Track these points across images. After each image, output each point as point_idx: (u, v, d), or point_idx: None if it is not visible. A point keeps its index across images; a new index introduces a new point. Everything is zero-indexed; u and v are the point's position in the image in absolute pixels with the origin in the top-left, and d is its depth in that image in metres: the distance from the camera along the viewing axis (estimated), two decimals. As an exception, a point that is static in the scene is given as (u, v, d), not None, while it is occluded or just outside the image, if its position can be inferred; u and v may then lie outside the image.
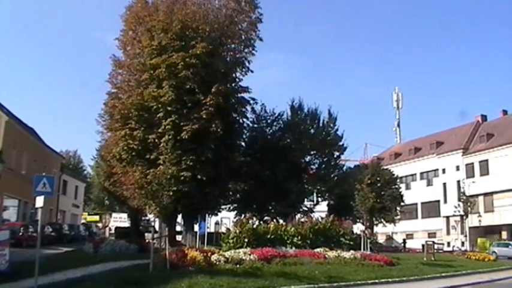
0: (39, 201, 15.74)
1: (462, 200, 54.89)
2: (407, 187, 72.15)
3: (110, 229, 65.27)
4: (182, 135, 32.67)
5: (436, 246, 40.51)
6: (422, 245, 41.04)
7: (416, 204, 72.12)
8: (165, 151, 32.60)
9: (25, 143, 45.75)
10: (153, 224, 45.92)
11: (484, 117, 72.27)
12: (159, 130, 33.56)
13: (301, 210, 45.82)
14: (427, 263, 29.78)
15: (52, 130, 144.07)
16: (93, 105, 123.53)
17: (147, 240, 33.43)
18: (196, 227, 36.39)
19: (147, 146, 34.28)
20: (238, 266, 21.14)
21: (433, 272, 25.47)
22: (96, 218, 78.69)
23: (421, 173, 75.05)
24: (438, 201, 69.76)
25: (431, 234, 66.73)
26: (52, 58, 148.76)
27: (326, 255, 25.59)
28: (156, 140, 33.53)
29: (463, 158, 66.27)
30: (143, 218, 59.50)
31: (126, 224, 60.27)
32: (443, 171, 69.48)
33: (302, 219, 33.03)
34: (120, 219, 67.55)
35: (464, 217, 57.64)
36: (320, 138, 46.22)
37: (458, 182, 64.07)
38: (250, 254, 23.02)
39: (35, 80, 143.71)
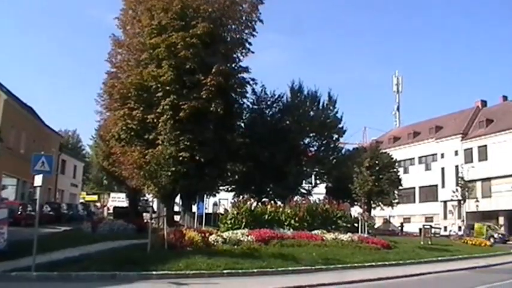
0: (38, 180, 15.72)
1: (460, 185, 54.98)
2: (406, 171, 72.35)
3: (108, 209, 65.36)
4: (181, 114, 32.55)
5: (433, 230, 40.70)
6: (420, 229, 41.22)
7: (414, 188, 72.42)
8: (163, 131, 32.46)
9: (24, 122, 45.69)
10: (151, 204, 45.92)
11: (483, 103, 72.25)
12: (158, 110, 33.45)
13: (299, 192, 45.84)
14: (424, 247, 29.92)
15: (51, 109, 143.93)
16: (93, 85, 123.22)
17: (145, 220, 33.50)
18: (194, 208, 36.49)
19: (146, 126, 34.18)
20: (236, 246, 21.24)
21: (430, 256, 25.62)
22: (95, 197, 79.04)
23: (420, 157, 75.34)
24: (436, 185, 70.09)
25: (429, 219, 67.17)
26: (51, 37, 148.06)
27: (323, 238, 25.67)
28: (155, 120, 33.40)
29: (461, 143, 66.38)
30: (141, 198, 59.62)
31: (125, 204, 60.36)
32: (442, 155, 69.66)
33: (300, 201, 32.93)
34: (118, 199, 67.66)
35: (462, 202, 57.84)
36: (319, 120, 46.08)
37: (457, 167, 64.28)
38: (248, 235, 23.09)
39: (33, 59, 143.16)
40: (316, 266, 19.25)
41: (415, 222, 65.41)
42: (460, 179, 56.55)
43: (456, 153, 66.81)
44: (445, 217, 67.10)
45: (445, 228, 61.40)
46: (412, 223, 65.73)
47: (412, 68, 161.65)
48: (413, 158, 76.02)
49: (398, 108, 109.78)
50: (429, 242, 33.05)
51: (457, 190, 54.90)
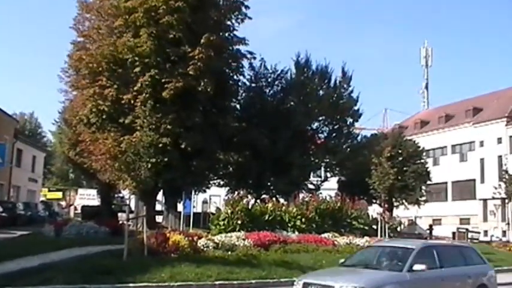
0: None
1: (504, 179, 55.06)
2: (436, 162, 72.62)
3: (76, 208, 65.81)
4: (164, 94, 32.60)
5: (470, 234, 41.00)
6: (453, 233, 41.53)
7: (446, 183, 72.64)
8: (142, 114, 32.61)
9: (-29, 103, 45.74)
10: (128, 202, 46.22)
11: (534, 79, 72.05)
12: (136, 88, 33.47)
13: (305, 187, 46.07)
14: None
15: (2, 88, 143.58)
16: (55, 57, 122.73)
17: (120, 222, 33.76)
18: (180, 206, 36.68)
19: (121, 107, 34.24)
20: (230, 252, 21.47)
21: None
22: (59, 194, 79.24)
23: (453, 146, 75.28)
24: (473, 180, 69.94)
25: (464, 220, 67.14)
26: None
27: (335, 242, 26.04)
28: (132, 101, 33.40)
29: (506, 129, 66.25)
30: (116, 195, 59.97)
31: (96, 202, 60.73)
32: (481, 143, 69.50)
33: (307, 198, 33.23)
34: (88, 197, 68.11)
35: (507, 201, 57.92)
36: (330, 101, 46.14)
37: (500, 157, 64.27)
38: (244, 239, 23.37)
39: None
40: (327, 275, 19.49)
41: (447, 224, 65.44)
42: (504, 173, 56.65)
43: (499, 140, 66.66)
44: (485, 219, 67.14)
45: (485, 232, 61.50)
46: (444, 226, 65.86)
47: (444, 38, 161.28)
48: (446, 147, 76.08)
49: (427, 86, 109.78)
50: (465, 249, 33.24)
51: (500, 186, 55.03)
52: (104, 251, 20.55)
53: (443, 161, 74.96)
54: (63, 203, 74.46)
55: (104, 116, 34.90)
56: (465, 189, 71.52)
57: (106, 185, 46.69)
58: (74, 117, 38.67)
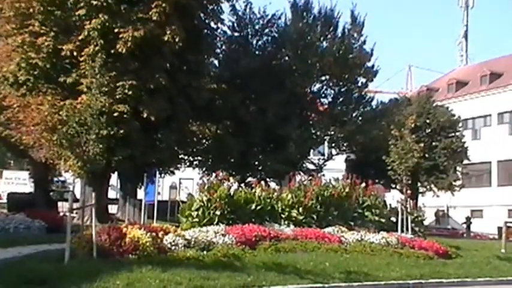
0: None
1: None
2: (476, 136, 72.71)
3: (0, 197, 65.75)
4: (118, 47, 32.55)
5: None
6: (499, 228, 41.87)
7: (489, 163, 72.48)
8: (90, 71, 32.41)
9: None
10: (71, 188, 46.43)
11: None
12: (80, 38, 33.27)
13: (304, 167, 46.36)
14: (507, 257, 30.32)
15: None
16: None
17: (61, 214, 33.93)
18: (140, 193, 36.93)
19: (61, 62, 34.00)
20: (205, 252, 21.63)
21: (517, 272, 25.83)
22: (-24, 179, 79.15)
23: (500, 114, 74.73)
24: (528, 159, 70.10)
25: (515, 212, 67.43)
26: None
27: (342, 239, 26.29)
28: (76, 53, 33.27)
29: None
30: (56, 179, 60.01)
31: (28, 189, 60.74)
32: (538, 111, 69.78)
33: (305, 182, 33.50)
34: (16, 181, 67.92)
35: None
36: (337, 55, 46.18)
37: None
38: (224, 235, 23.56)
39: None
40: (332, 282, 19.73)
41: (491, 217, 65.56)
42: None
43: None
44: (544, 210, 67.45)
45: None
46: (486, 219, 66.00)
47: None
48: (490, 115, 75.73)
49: (466, 36, 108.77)
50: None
51: None
52: (38, 253, 20.54)
53: (487, 134, 74.63)
54: (-18, 191, 74.41)
55: (37, 73, 34.62)
56: (516, 172, 71.61)
57: (41, 166, 46.65)
58: (-4, 74, 38.45)
